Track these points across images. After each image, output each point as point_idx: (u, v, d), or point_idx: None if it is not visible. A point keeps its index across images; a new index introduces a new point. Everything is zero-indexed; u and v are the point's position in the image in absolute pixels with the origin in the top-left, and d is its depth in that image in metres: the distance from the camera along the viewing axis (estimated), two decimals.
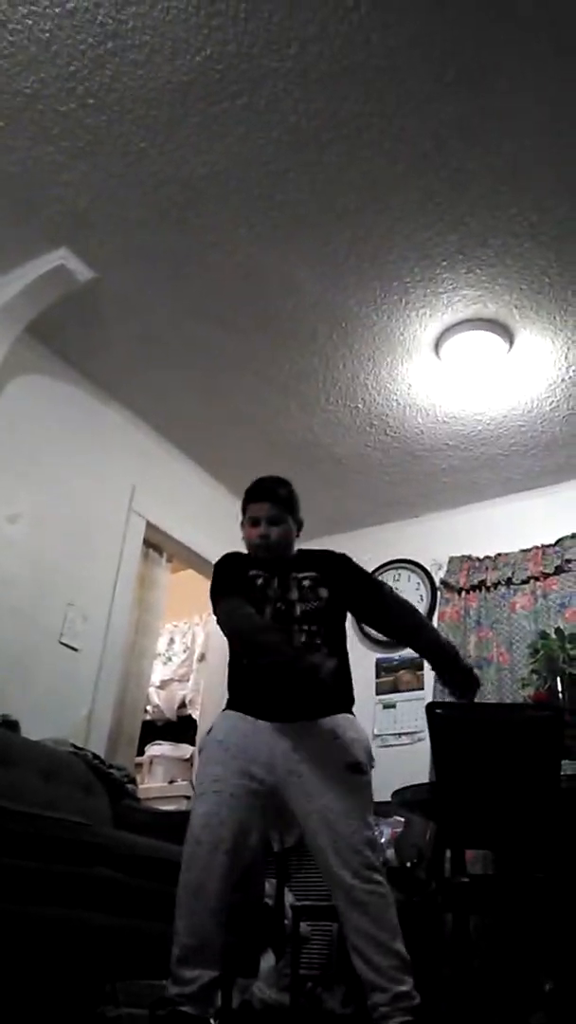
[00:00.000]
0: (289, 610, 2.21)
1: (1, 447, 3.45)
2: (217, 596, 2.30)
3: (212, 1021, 1.98)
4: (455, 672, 2.30)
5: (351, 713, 2.21)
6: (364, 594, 2.37)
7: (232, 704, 2.21)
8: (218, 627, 2.33)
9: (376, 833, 2.20)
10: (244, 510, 2.39)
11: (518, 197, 2.82)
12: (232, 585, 2.28)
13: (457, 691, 2.31)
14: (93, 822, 2.61)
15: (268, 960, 3.26)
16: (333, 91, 2.53)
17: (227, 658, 2.32)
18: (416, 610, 2.49)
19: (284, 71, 2.49)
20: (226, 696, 2.27)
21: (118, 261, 3.24)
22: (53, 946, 2.23)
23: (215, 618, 2.31)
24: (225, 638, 2.29)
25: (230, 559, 2.39)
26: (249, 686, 2.18)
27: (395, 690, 4.42)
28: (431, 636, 2.40)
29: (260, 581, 2.27)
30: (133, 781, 3.42)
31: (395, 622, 2.43)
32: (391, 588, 2.49)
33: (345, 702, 2.20)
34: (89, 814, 2.79)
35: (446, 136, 2.62)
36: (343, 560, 2.39)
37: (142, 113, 2.66)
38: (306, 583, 2.26)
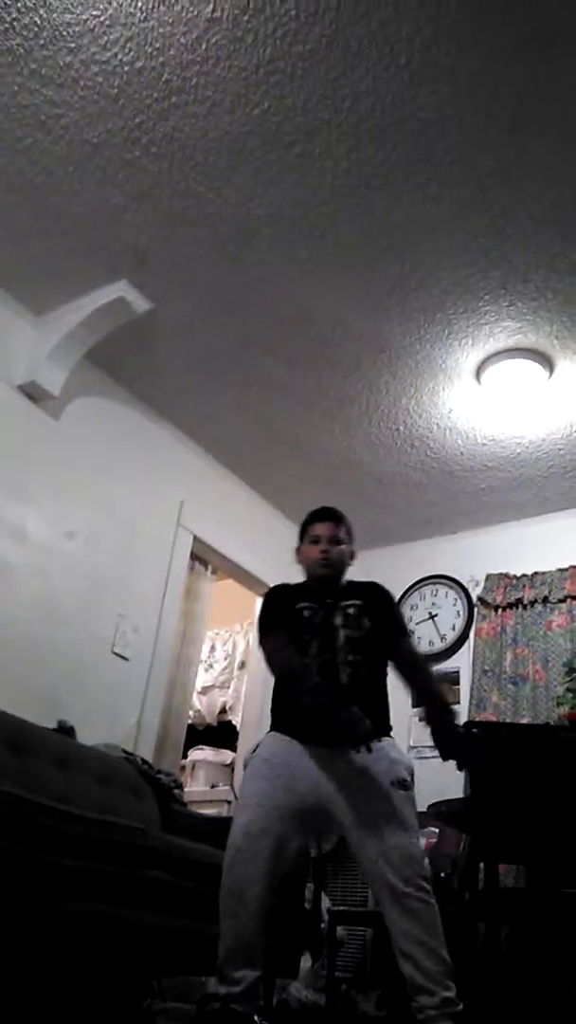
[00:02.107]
0: (333, 639, 2.33)
1: (60, 466, 3.65)
2: (263, 630, 2.44)
3: (256, 1018, 2.13)
4: (443, 736, 2.27)
5: (390, 737, 2.33)
6: (387, 630, 2.42)
7: (277, 726, 2.33)
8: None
9: None
10: (304, 532, 2.51)
11: (559, 237, 2.93)
12: (278, 619, 2.41)
13: (442, 753, 2.26)
14: (145, 826, 2.78)
15: (305, 962, 3.40)
16: (383, 140, 2.68)
17: (267, 670, 2.47)
18: (426, 662, 2.52)
19: (337, 122, 2.64)
20: (268, 716, 2.41)
21: (174, 293, 3.42)
22: (107, 943, 2.40)
23: (261, 650, 2.47)
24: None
25: (278, 592, 2.52)
26: (294, 712, 2.29)
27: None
28: (429, 693, 2.40)
29: (307, 613, 2.38)
30: (180, 786, 3.59)
31: (401, 670, 2.43)
32: (411, 643, 2.58)
33: (384, 727, 2.31)
34: (140, 818, 2.95)
35: (489, 183, 2.75)
36: (386, 596, 2.52)
37: (201, 160, 2.82)
38: (351, 611, 2.38)
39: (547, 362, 3.57)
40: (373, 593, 2.48)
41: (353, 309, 3.40)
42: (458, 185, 2.78)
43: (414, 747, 4.35)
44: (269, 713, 2.31)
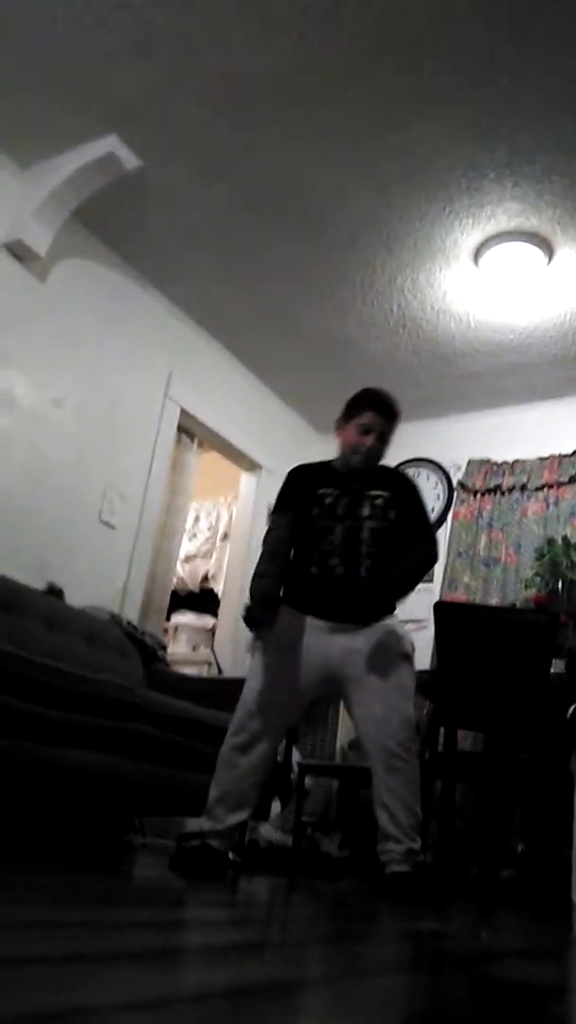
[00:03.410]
0: (359, 529, 2.36)
1: (46, 331, 3.60)
2: (276, 507, 2.50)
3: (231, 855, 2.36)
4: (359, 592, 2.31)
5: (394, 615, 2.43)
6: (411, 528, 2.43)
7: (289, 601, 2.41)
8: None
9: None
10: (354, 413, 2.41)
11: (569, 116, 2.81)
12: (293, 501, 2.45)
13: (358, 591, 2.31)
14: (130, 683, 2.96)
15: (275, 807, 3.71)
16: (392, 1, 2.50)
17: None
18: (424, 556, 2.45)
19: None
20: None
21: (167, 152, 3.27)
22: (94, 786, 2.61)
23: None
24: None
25: (302, 472, 2.52)
26: (312, 591, 2.39)
27: None
28: (406, 561, 2.39)
29: (329, 500, 2.40)
30: (164, 648, 3.78)
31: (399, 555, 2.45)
32: (434, 550, 2.52)
33: (390, 608, 2.41)
34: (126, 675, 3.14)
35: (501, 50, 2.60)
36: (412, 490, 2.51)
37: (200, 9, 2.63)
38: (379, 501, 2.39)
39: (547, 247, 3.49)
40: (401, 486, 2.49)
41: (353, 181, 3.28)
42: (469, 51, 2.63)
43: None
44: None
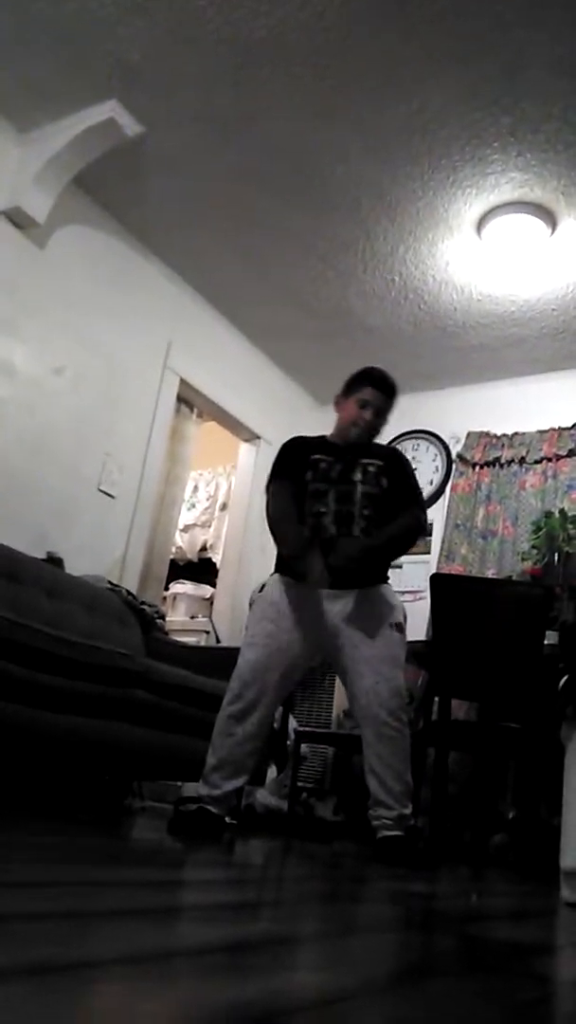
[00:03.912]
0: (351, 492, 2.42)
1: (46, 299, 3.58)
2: (272, 476, 2.53)
3: (227, 819, 2.42)
4: (337, 559, 2.33)
5: (388, 584, 2.49)
6: (400, 496, 2.49)
7: (283, 569, 2.46)
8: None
9: None
10: (354, 389, 2.51)
11: (574, 86, 2.77)
12: (288, 470, 2.49)
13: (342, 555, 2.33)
14: (129, 651, 3.00)
15: (271, 773, 3.77)
16: None
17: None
18: (408, 526, 2.47)
19: None
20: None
21: (167, 118, 3.23)
22: (94, 752, 2.66)
23: (266, 494, 2.56)
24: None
25: (295, 444, 2.58)
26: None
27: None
28: (389, 529, 2.43)
29: (324, 465, 2.46)
30: (163, 617, 3.81)
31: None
32: (422, 516, 2.54)
33: (383, 575, 2.47)
34: (125, 644, 3.17)
35: (509, 20, 2.56)
36: (403, 461, 2.59)
37: None
38: (371, 469, 2.46)
39: (550, 219, 3.47)
40: (393, 458, 2.56)
41: (356, 148, 3.24)
42: (475, 19, 2.59)
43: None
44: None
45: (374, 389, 2.48)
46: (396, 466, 2.53)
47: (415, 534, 2.54)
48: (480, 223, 3.56)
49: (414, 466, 4.73)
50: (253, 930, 1.01)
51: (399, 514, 2.46)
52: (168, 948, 0.83)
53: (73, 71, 3.06)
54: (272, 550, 2.61)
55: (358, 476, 2.44)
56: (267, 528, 2.55)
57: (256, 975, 0.75)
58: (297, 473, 2.47)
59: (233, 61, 2.91)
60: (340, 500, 2.41)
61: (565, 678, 2.00)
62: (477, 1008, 0.76)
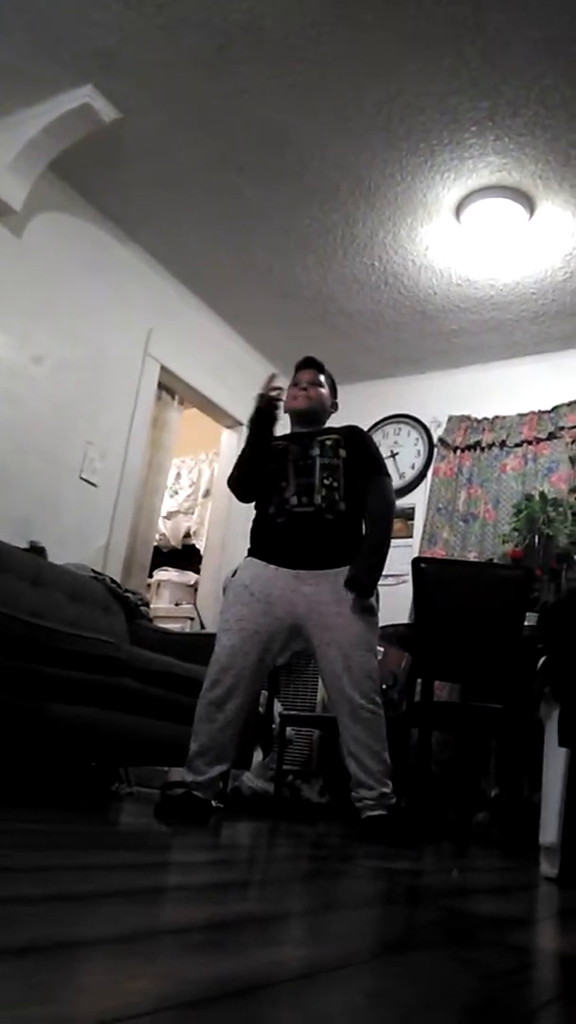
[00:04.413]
0: (310, 466, 2.50)
1: (24, 287, 3.56)
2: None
3: (214, 803, 2.44)
4: (358, 570, 2.40)
5: None
6: (362, 465, 2.56)
7: (255, 552, 2.52)
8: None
9: None
10: (292, 384, 2.69)
11: (553, 69, 2.78)
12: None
13: (348, 583, 2.39)
14: (114, 639, 3.01)
15: (257, 756, 3.81)
16: None
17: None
18: (384, 512, 2.53)
19: None
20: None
21: (144, 103, 3.21)
22: (81, 739, 2.67)
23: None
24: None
25: None
26: (272, 535, 2.49)
27: None
28: (374, 537, 2.49)
29: (280, 446, 2.57)
30: (147, 604, 3.83)
31: (368, 511, 2.52)
32: (387, 481, 2.58)
33: (356, 555, 2.47)
34: (109, 631, 3.18)
35: (488, 3, 2.56)
36: (361, 433, 2.68)
37: None
38: (328, 443, 2.55)
39: (528, 203, 3.48)
40: (351, 431, 2.63)
41: (334, 132, 3.23)
42: (452, 2, 2.58)
43: None
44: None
45: (300, 370, 2.71)
46: (354, 438, 2.61)
47: (390, 503, 2.56)
48: (459, 207, 3.57)
49: (396, 450, 4.83)
50: (239, 908, 1.03)
51: (367, 487, 2.51)
52: (154, 927, 0.85)
53: (47, 55, 3.03)
54: None
55: (315, 451, 2.53)
56: (250, 516, 2.60)
57: (240, 951, 0.77)
58: (261, 449, 2.57)
59: (210, 45, 2.89)
60: (299, 473, 2.50)
61: (543, 658, 2.04)
62: (455, 977, 0.78)
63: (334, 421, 2.72)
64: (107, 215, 3.93)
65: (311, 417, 2.64)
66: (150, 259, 4.20)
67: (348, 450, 2.54)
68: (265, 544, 2.50)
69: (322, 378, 2.69)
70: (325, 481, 2.47)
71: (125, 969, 0.64)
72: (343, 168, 3.43)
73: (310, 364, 2.72)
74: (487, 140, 3.16)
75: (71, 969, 0.63)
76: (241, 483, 2.60)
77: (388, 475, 2.62)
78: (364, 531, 2.51)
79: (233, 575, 2.55)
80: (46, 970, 0.61)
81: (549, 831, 1.95)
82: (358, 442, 2.60)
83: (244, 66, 2.96)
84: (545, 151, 3.17)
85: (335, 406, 2.74)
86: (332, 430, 2.61)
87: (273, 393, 2.52)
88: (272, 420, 2.54)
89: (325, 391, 2.68)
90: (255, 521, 2.58)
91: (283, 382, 2.62)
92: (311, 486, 2.47)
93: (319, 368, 2.71)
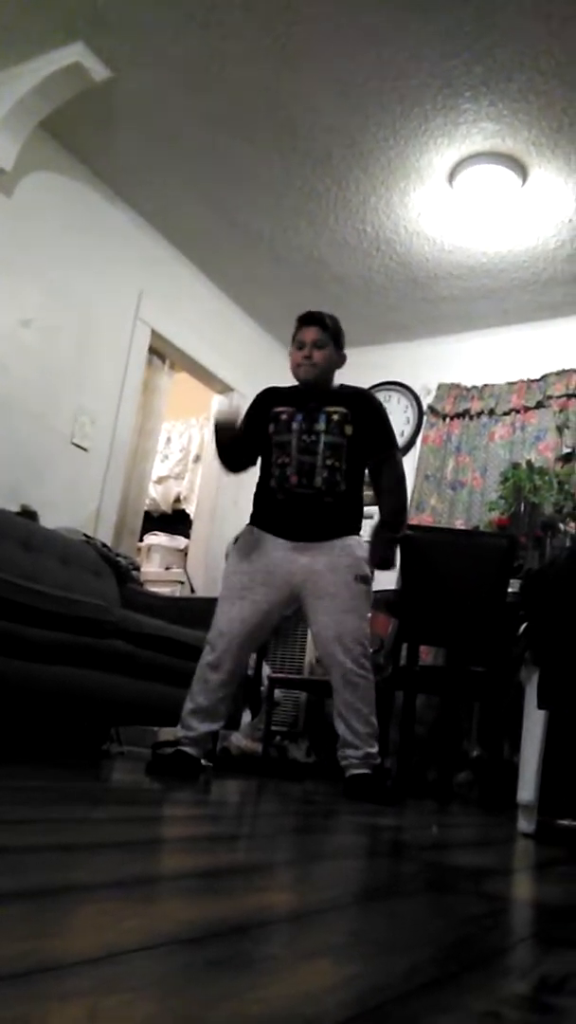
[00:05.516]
0: (315, 442, 2.47)
1: (13, 248, 3.53)
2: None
3: (203, 761, 2.52)
4: (380, 542, 2.53)
5: (359, 535, 2.55)
6: (370, 442, 2.55)
7: (256, 521, 2.54)
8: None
9: None
10: (293, 338, 2.58)
11: (547, 32, 2.76)
12: (250, 422, 2.56)
13: (372, 556, 2.52)
14: (106, 602, 3.05)
15: (246, 717, 3.89)
16: None
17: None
18: (397, 488, 2.58)
19: None
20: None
21: (135, 62, 3.16)
22: (73, 700, 2.73)
23: None
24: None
25: (262, 395, 2.64)
26: (273, 508, 2.51)
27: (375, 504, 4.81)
28: (390, 515, 2.57)
29: (284, 416, 2.50)
30: (137, 568, 3.87)
31: (377, 480, 2.60)
32: (398, 455, 2.62)
33: (354, 527, 2.53)
34: (101, 595, 3.23)
35: None
36: (369, 404, 2.60)
37: None
38: (335, 417, 2.48)
39: (521, 170, 3.47)
40: (360, 402, 2.57)
41: (327, 95, 3.20)
42: None
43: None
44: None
45: (303, 327, 2.55)
46: (363, 410, 2.54)
47: (401, 478, 2.59)
48: (452, 173, 3.56)
49: None
50: (229, 859, 1.09)
51: (378, 465, 2.54)
52: (150, 874, 0.90)
53: (37, 12, 2.97)
54: (246, 502, 2.68)
55: (321, 426, 2.47)
56: (240, 480, 2.63)
57: (231, 895, 0.82)
58: (259, 426, 2.54)
59: (202, 4, 2.84)
60: (302, 451, 2.46)
61: (525, 624, 2.10)
62: (432, 920, 0.84)
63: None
64: (98, 175, 3.89)
65: (315, 383, 2.55)
66: (141, 221, 4.16)
67: (355, 425, 2.48)
68: (266, 516, 2.53)
69: (326, 335, 2.52)
70: (327, 462, 2.45)
71: (125, 910, 0.69)
72: (336, 131, 3.40)
73: (312, 321, 2.55)
74: (481, 105, 3.13)
75: (76, 910, 0.68)
76: (225, 464, 2.66)
77: (398, 448, 2.63)
78: (379, 504, 2.57)
79: (235, 542, 2.59)
80: (53, 910, 0.66)
81: (527, 790, 2.03)
82: (367, 416, 2.53)
83: (236, 27, 2.92)
84: (539, 117, 3.15)
85: (343, 358, 2.60)
86: (340, 398, 2.53)
87: (229, 421, 2.48)
88: (234, 443, 2.53)
89: (329, 350, 2.53)
90: (258, 488, 2.59)
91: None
92: (313, 467, 2.44)
93: (322, 324, 2.53)
